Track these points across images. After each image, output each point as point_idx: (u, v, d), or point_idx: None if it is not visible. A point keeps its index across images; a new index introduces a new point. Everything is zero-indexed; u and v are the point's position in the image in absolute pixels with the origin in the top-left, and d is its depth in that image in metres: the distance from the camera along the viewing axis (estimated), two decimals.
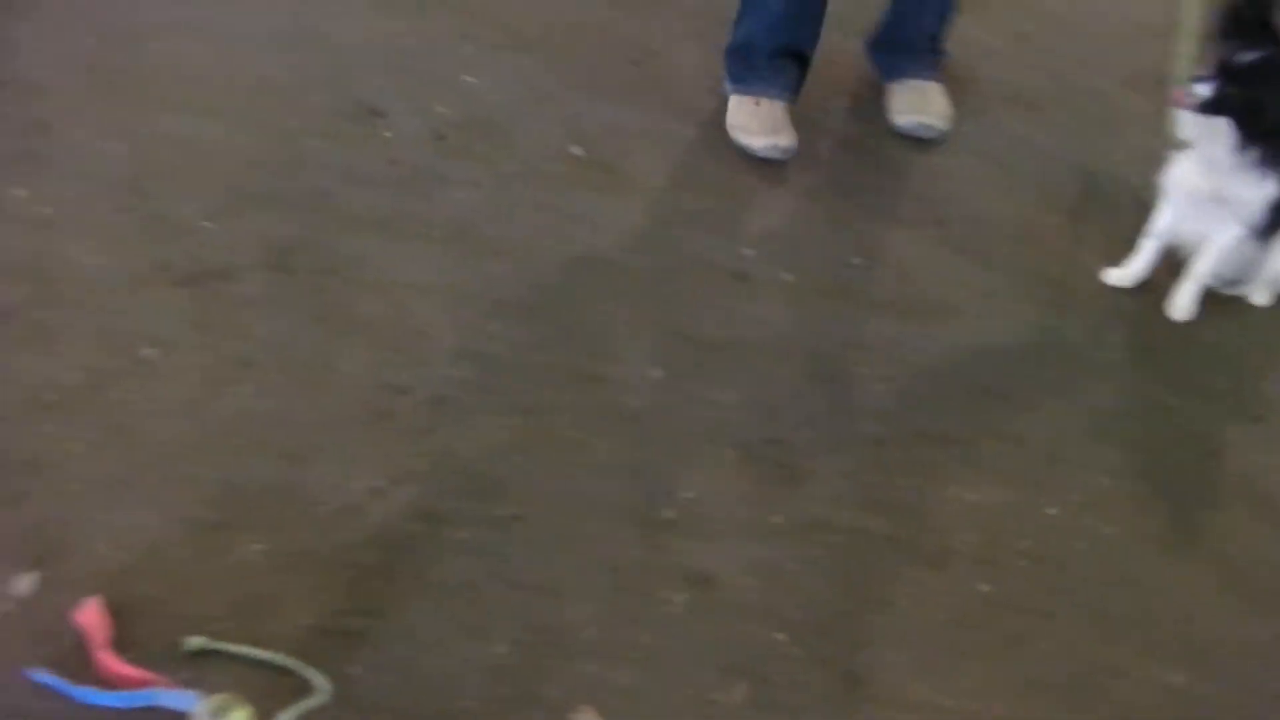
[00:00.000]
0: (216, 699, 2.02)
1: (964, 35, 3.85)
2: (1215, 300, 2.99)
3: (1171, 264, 3.02)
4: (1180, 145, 2.82)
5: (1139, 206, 3.02)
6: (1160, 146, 2.88)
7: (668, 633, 2.26)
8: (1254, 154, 2.68)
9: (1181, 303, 2.98)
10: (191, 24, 3.31)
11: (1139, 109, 2.99)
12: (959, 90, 3.63)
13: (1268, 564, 2.46)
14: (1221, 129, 2.69)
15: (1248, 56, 2.60)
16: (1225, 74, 2.64)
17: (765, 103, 3.28)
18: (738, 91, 3.33)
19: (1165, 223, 2.96)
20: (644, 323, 2.86)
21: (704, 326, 2.87)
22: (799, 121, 3.29)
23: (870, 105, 3.50)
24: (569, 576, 2.34)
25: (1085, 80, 2.86)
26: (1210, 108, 2.66)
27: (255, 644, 2.18)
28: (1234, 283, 3.01)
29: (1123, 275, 3.05)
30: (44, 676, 2.11)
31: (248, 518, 2.40)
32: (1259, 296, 3.03)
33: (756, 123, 3.26)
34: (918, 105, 3.46)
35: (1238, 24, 2.66)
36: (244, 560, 2.34)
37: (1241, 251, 2.93)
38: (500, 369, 2.73)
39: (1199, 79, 2.66)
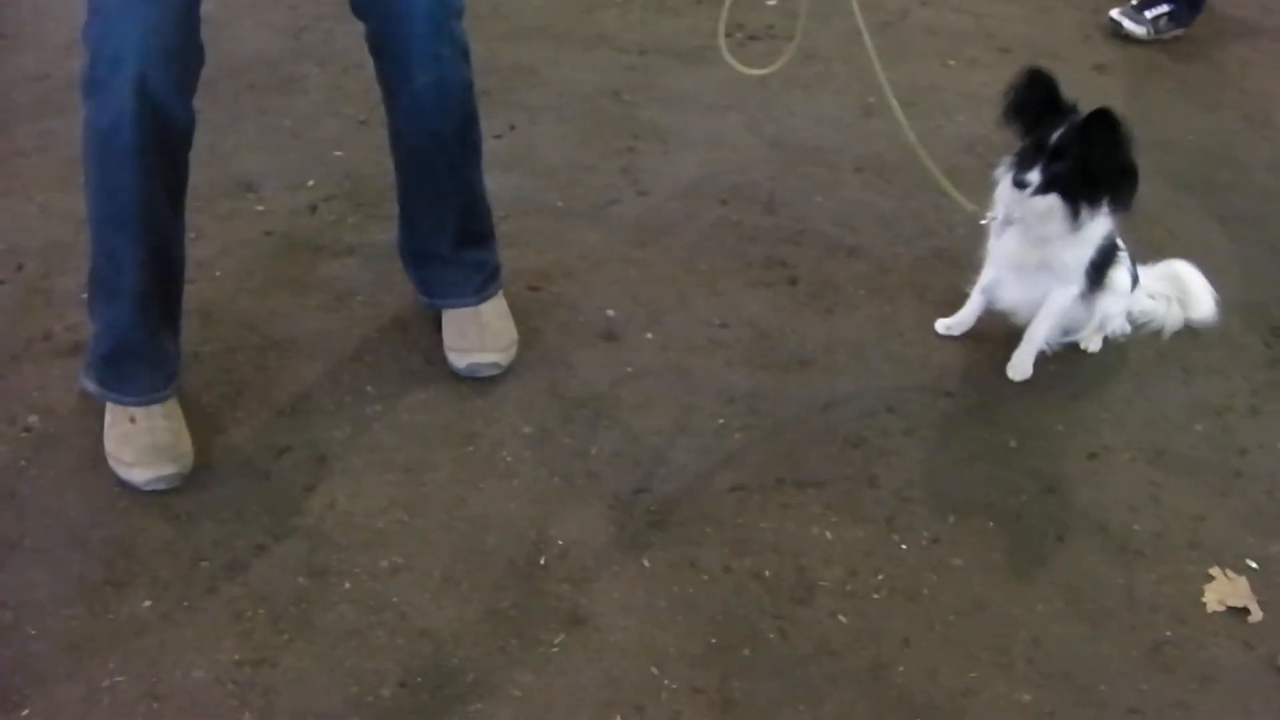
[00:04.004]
0: None
1: (818, 111, 4.05)
2: (1052, 347, 3.14)
3: (1011, 326, 3.15)
4: (1000, 220, 2.95)
5: (977, 264, 3.16)
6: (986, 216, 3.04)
7: (547, 671, 2.35)
8: (1083, 214, 2.80)
9: (1020, 365, 3.10)
10: None
11: (976, 172, 3.16)
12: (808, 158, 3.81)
13: (1109, 589, 2.59)
14: (1047, 204, 2.80)
15: (1057, 131, 2.72)
16: (1048, 154, 2.74)
17: (142, 416, 2.68)
18: (108, 400, 2.72)
19: (989, 281, 3.11)
20: (515, 382, 2.98)
21: (571, 385, 2.99)
22: None
23: None
24: (451, 622, 2.43)
25: (926, 148, 3.02)
26: (1044, 189, 2.77)
27: None
28: (1067, 332, 3.16)
29: (951, 324, 3.21)
30: None
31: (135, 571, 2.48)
32: (1090, 344, 3.20)
33: (133, 450, 2.66)
34: (471, 340, 2.97)
35: (1030, 107, 2.79)
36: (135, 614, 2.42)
37: (1072, 308, 3.08)
38: (379, 429, 2.83)
39: (1020, 171, 2.76)
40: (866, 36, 2.91)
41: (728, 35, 4.05)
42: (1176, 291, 3.23)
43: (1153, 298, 3.23)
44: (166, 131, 2.44)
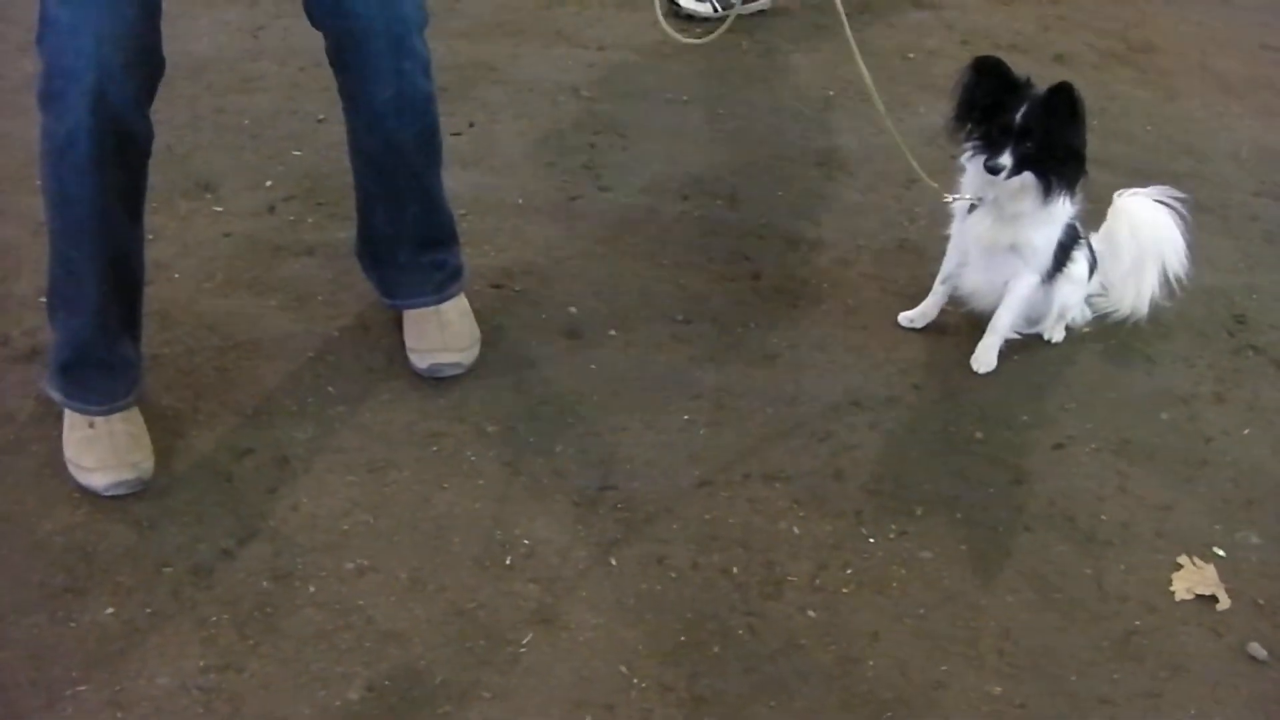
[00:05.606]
0: None
1: (778, 105, 4.04)
2: (1014, 339, 3.15)
3: (974, 318, 3.17)
4: (967, 202, 2.96)
5: (940, 256, 3.16)
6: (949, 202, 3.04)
7: (515, 672, 2.34)
8: (1054, 190, 2.81)
9: (984, 357, 3.10)
10: None
11: (938, 164, 3.16)
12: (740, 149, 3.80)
13: (1077, 579, 2.59)
14: (1017, 183, 2.82)
15: (1019, 111, 2.74)
16: (1014, 135, 2.75)
17: (101, 422, 2.65)
18: (70, 408, 2.67)
19: (952, 267, 3.12)
20: (478, 381, 2.96)
21: (535, 383, 2.97)
22: None
23: None
24: (418, 624, 2.41)
25: (887, 140, 3.02)
26: (1016, 169, 2.78)
27: None
28: (1030, 323, 3.17)
29: (914, 317, 3.20)
30: None
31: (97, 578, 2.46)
32: (1053, 335, 3.20)
33: (93, 456, 2.63)
34: (432, 340, 2.95)
35: (984, 96, 2.81)
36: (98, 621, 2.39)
37: (1033, 296, 3.10)
38: (342, 429, 2.81)
39: (991, 157, 2.77)
40: (848, 30, 2.91)
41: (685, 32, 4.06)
42: (1129, 237, 3.20)
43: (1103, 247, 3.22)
44: (124, 144, 2.40)
